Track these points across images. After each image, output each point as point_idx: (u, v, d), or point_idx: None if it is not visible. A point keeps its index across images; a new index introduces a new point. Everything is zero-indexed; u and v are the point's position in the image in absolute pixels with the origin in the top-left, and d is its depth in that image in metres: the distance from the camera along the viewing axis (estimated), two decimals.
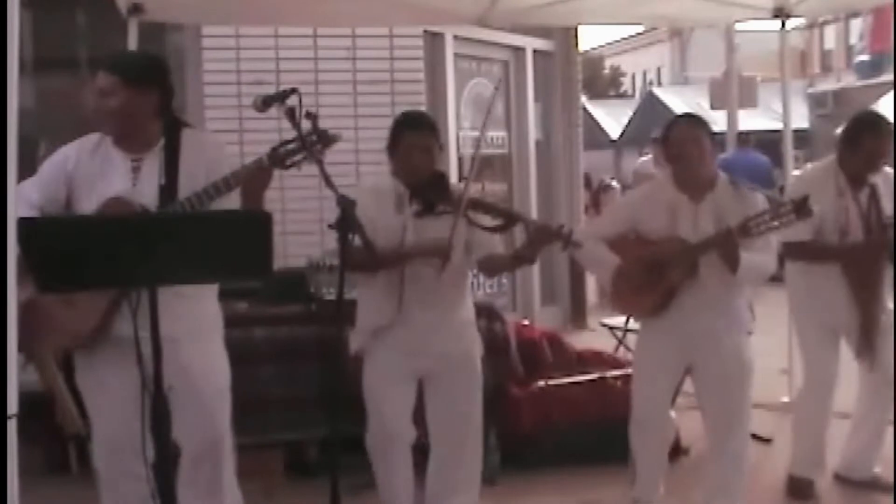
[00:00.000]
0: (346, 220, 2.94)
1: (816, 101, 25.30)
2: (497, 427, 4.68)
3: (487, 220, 3.61)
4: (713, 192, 3.84)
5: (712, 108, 17.58)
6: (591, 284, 8.86)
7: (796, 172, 5.76)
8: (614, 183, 13.46)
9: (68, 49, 6.53)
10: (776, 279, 4.39)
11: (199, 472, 3.32)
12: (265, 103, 3.07)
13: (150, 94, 3.21)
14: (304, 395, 4.61)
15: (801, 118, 22.38)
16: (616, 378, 5.06)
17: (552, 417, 4.90)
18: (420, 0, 5.55)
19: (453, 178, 6.67)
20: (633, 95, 38.01)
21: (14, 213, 2.30)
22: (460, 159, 7.64)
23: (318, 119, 3.07)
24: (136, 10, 5.09)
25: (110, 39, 5.73)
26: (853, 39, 28.01)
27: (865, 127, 4.32)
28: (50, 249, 2.52)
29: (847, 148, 4.33)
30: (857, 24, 27.22)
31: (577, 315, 8.77)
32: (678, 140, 3.86)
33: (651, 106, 25.17)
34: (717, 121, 15.31)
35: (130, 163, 3.23)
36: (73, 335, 3.17)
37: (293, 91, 3.04)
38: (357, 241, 3.02)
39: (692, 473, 4.55)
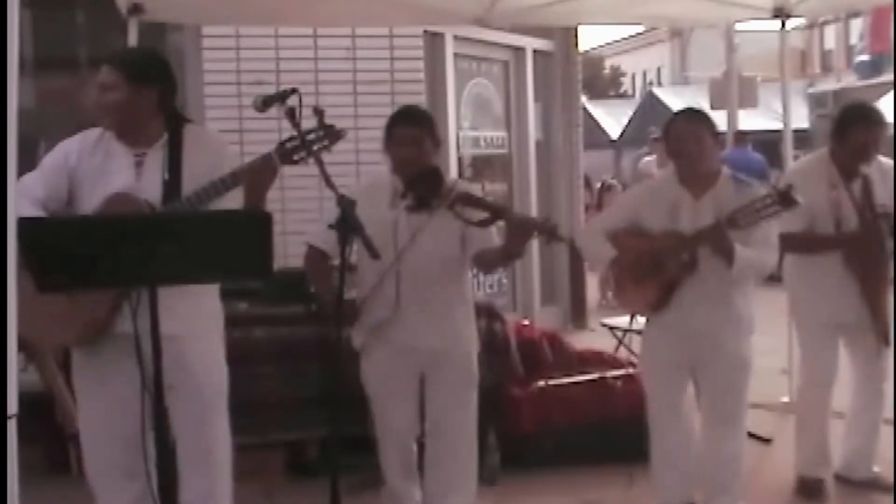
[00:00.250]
0: (346, 220, 2.94)
1: (816, 102, 25.30)
2: (497, 427, 4.68)
3: (476, 215, 3.58)
4: (715, 187, 3.83)
5: (712, 108, 17.49)
6: (591, 284, 8.85)
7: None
8: (615, 183, 13.45)
9: (68, 49, 6.51)
10: (775, 279, 4.40)
11: (195, 471, 3.31)
12: (265, 103, 3.07)
13: (152, 90, 3.20)
14: (304, 395, 4.62)
15: (801, 118, 22.37)
16: (616, 378, 5.05)
17: (552, 417, 4.89)
18: (420, 0, 5.55)
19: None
20: (633, 95, 38.01)
21: (14, 212, 2.31)
22: (460, 159, 7.65)
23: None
24: (136, 10, 5.09)
25: (110, 39, 5.75)
26: (853, 39, 28.00)
27: (854, 119, 4.30)
28: (50, 249, 2.52)
29: (837, 140, 4.32)
30: (857, 24, 27.21)
31: (578, 315, 8.76)
32: (678, 136, 3.85)
33: (651, 106, 25.14)
34: (718, 121, 15.25)
35: (133, 158, 3.23)
36: (75, 332, 3.17)
37: (293, 91, 3.03)
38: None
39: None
